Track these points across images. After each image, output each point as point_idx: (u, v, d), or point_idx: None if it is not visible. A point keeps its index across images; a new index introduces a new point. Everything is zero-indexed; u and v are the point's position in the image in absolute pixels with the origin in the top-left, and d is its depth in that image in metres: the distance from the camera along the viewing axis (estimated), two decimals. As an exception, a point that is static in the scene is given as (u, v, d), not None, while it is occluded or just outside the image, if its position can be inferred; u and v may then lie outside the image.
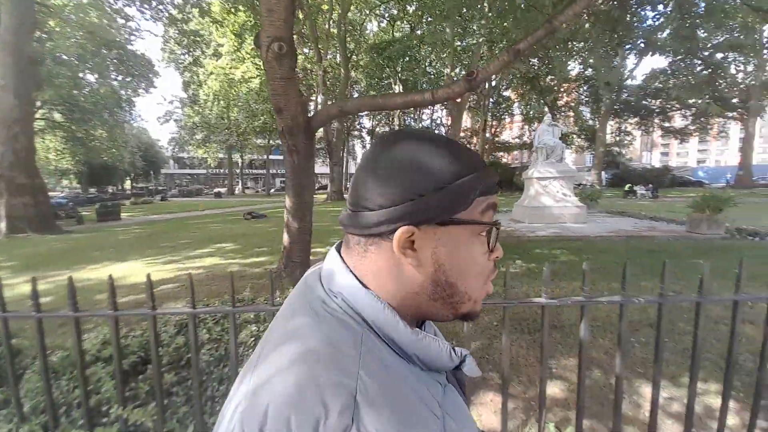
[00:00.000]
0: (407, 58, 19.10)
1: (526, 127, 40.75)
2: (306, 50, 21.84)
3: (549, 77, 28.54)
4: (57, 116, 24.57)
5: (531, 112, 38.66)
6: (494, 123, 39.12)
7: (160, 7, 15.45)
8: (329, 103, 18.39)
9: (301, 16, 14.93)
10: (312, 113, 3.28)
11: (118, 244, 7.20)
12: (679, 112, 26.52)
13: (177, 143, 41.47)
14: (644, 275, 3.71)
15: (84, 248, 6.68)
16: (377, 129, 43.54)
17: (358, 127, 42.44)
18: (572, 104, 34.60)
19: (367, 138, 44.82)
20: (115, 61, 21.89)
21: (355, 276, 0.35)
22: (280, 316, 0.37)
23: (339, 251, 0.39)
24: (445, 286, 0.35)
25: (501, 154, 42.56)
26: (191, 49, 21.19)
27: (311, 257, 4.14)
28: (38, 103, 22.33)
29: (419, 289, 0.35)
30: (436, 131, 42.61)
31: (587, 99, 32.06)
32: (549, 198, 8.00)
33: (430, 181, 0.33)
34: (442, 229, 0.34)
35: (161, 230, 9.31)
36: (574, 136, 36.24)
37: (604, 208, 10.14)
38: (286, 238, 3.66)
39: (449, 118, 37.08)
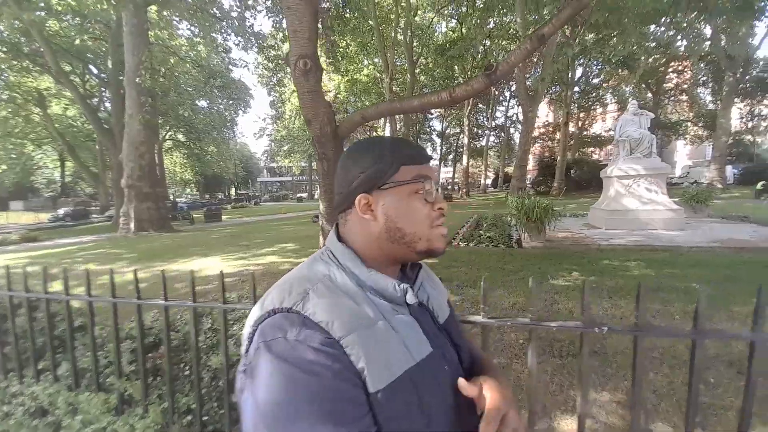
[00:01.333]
0: (474, 55, 18.36)
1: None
2: (376, 60, 22.62)
3: (652, 57, 24.33)
4: (180, 137, 30.09)
5: (629, 99, 33.59)
6: (581, 115, 34.88)
7: (251, 38, 17.67)
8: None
9: (371, 24, 15.62)
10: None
11: (209, 242, 8.50)
12: None
13: (268, 154, 47.05)
14: (743, 298, 2.94)
15: (184, 245, 8.06)
16: (447, 131, 42.73)
17: (427, 129, 42.20)
18: (685, 86, 28.93)
19: (438, 140, 44.30)
20: (219, 88, 25.84)
21: (339, 238, 0.54)
22: None
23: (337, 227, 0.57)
24: (395, 230, 0.51)
25: (590, 149, 37.75)
26: (275, 72, 23.88)
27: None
28: (167, 127, 27.87)
29: (378, 234, 0.52)
30: (511, 128, 39.90)
31: (705, 78, 26.45)
32: (633, 200, 6.76)
33: (365, 163, 0.52)
34: (384, 191, 0.51)
35: (243, 231, 10.67)
36: (689, 124, 30.22)
37: (718, 212, 8.19)
38: (321, 241, 3.89)
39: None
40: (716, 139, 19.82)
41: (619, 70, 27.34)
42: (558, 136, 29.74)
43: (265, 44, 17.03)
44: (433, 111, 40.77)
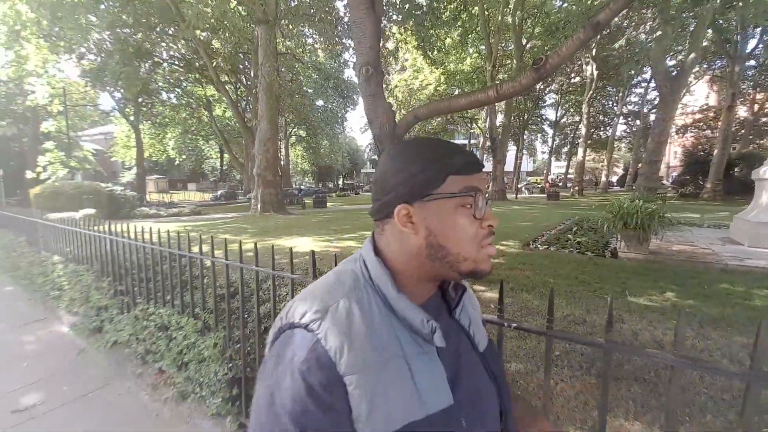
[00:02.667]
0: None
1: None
2: (482, 47, 21.59)
3: None
4: (302, 133, 34.78)
5: None
6: (759, 96, 26.07)
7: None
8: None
9: (473, 11, 15.02)
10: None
11: (309, 224, 9.91)
12: None
13: (371, 148, 50.27)
14: None
15: (290, 226, 9.61)
16: (563, 119, 37.80)
17: (536, 119, 38.11)
18: None
19: (550, 131, 39.62)
20: (333, 88, 28.80)
21: (375, 249, 0.49)
22: None
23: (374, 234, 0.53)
24: (437, 247, 0.45)
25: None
26: (385, 65, 25.24)
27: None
28: (292, 125, 32.56)
29: (418, 251, 0.46)
30: (652, 115, 32.99)
31: None
32: (798, 211, 5.02)
33: (409, 169, 0.46)
34: (428, 203, 0.45)
35: (337, 217, 11.97)
36: None
37: None
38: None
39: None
40: None
41: None
42: (719, 122, 23.06)
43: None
44: (546, 98, 36.60)
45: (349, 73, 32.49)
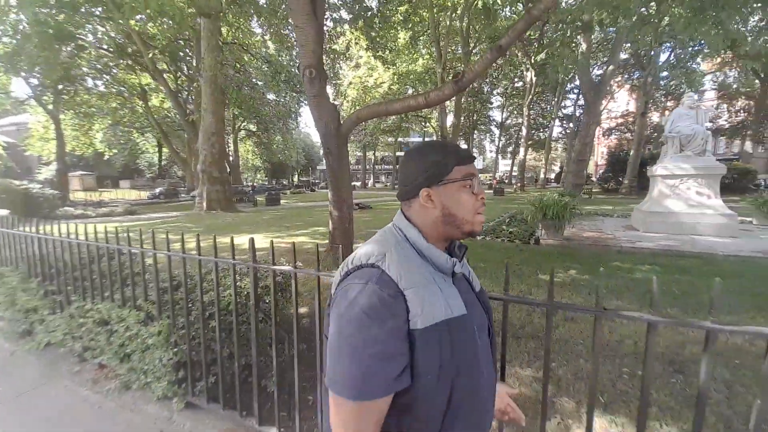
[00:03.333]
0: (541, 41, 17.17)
1: (724, 105, 30.20)
2: (433, 49, 22.38)
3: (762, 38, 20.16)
4: (251, 127, 33.27)
5: (734, 86, 28.39)
6: (670, 104, 30.44)
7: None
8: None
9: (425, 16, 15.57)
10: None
11: (259, 222, 9.74)
12: None
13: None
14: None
15: (239, 223, 9.37)
16: (507, 121, 40.53)
17: (484, 121, 40.45)
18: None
19: (497, 131, 42.31)
20: (284, 81, 27.96)
21: (406, 218, 0.69)
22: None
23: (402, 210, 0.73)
24: (449, 216, 0.66)
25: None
26: (336, 64, 25.07)
27: (354, 242, 4.84)
28: (241, 118, 31.05)
29: (436, 219, 0.66)
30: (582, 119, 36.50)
31: None
32: (678, 202, 6.13)
33: (427, 163, 0.66)
34: (442, 187, 0.66)
35: (290, 214, 11.87)
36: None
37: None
38: (330, 224, 4.47)
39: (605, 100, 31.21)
40: None
41: (722, 52, 23.24)
42: (635, 126, 26.49)
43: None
44: (493, 100, 39.02)
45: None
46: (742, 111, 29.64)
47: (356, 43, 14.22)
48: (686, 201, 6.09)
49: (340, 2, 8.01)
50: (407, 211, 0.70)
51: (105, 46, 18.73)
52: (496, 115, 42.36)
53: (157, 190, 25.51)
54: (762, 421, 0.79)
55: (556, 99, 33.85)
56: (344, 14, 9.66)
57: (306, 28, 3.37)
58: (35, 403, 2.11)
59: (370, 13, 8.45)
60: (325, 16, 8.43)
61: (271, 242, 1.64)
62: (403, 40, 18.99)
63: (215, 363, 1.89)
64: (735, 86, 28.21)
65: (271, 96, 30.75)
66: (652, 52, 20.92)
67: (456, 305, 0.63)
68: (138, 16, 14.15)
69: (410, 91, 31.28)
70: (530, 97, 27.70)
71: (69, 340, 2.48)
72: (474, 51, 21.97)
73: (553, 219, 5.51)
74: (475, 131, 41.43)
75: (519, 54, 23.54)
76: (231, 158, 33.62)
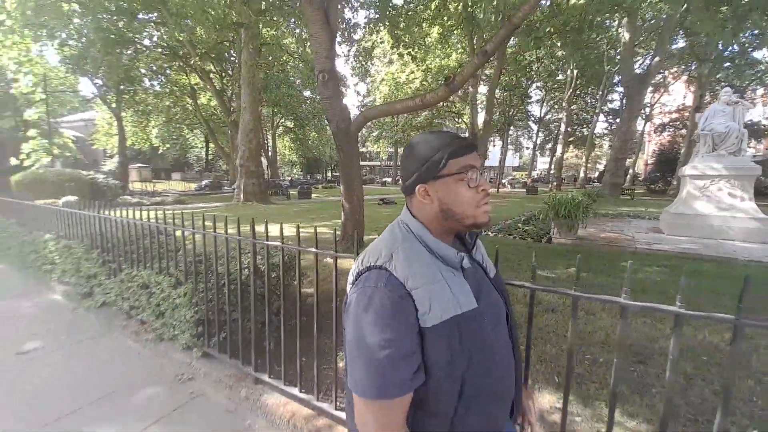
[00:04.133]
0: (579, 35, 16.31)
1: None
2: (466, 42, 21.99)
3: None
4: (289, 123, 34.76)
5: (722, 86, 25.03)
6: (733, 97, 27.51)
7: (345, 33, 19.36)
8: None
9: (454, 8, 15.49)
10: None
11: (289, 213, 10.42)
12: None
13: (360, 140, 50.46)
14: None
15: (271, 214, 10.11)
16: (546, 117, 38.79)
17: (522, 115, 38.89)
18: None
19: (535, 127, 40.62)
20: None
21: (411, 213, 0.70)
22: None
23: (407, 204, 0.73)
24: (447, 211, 0.66)
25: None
26: (365, 62, 25.49)
27: (366, 234, 5.17)
28: (279, 115, 32.50)
29: (435, 214, 0.67)
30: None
31: None
32: (708, 204, 5.78)
33: (421, 158, 0.66)
34: (438, 181, 0.65)
35: (318, 207, 12.51)
36: None
37: None
38: (342, 216, 4.86)
39: (656, 93, 29.08)
40: None
41: None
42: (689, 122, 24.26)
43: (352, 37, 18.40)
44: (532, 95, 37.47)
45: (340, 63, 32.43)
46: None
47: (381, 42, 14.46)
48: (717, 203, 5.74)
49: (360, 2, 8.29)
50: (410, 206, 0.70)
51: (160, 50, 20.58)
52: (536, 110, 40.61)
53: (203, 182, 27.63)
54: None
55: (600, 92, 31.87)
56: (362, 16, 9.96)
57: (319, 36, 3.73)
58: (92, 349, 2.70)
59: (394, 11, 8.67)
60: (347, 18, 8.78)
61: (297, 227, 1.99)
62: (435, 35, 18.91)
63: (225, 323, 2.32)
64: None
65: (306, 93, 31.92)
66: (705, 41, 19.06)
67: (465, 301, 0.63)
68: (186, 21, 15.47)
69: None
70: (570, 90, 26.37)
71: (119, 301, 3.07)
72: (509, 43, 21.32)
73: (565, 218, 5.48)
74: (512, 127, 40.03)
75: (559, 44, 22.47)
76: (269, 153, 35.45)
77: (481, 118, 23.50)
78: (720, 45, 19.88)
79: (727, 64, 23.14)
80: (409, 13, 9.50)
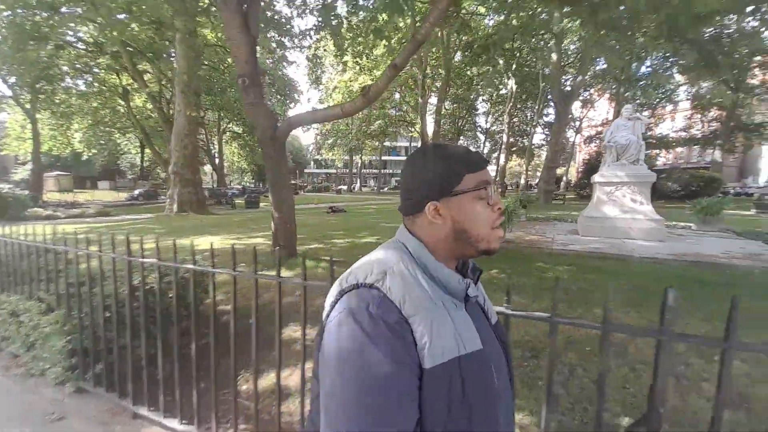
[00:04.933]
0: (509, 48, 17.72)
1: (697, 116, 31.43)
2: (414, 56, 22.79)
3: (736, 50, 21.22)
4: (237, 129, 33.21)
5: (707, 96, 29.61)
6: (644, 113, 31.61)
7: (295, 40, 19.08)
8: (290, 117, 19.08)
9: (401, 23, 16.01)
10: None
11: (228, 224, 9.84)
12: None
13: (315, 147, 49.77)
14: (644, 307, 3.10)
15: (206, 225, 9.47)
16: (492, 128, 41.32)
17: (470, 127, 41.10)
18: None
19: (482, 137, 43.06)
20: (268, 84, 28.05)
21: (411, 233, 0.60)
22: None
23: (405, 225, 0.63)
24: (461, 232, 0.57)
25: (655, 151, 34.05)
26: (318, 69, 25.33)
27: (298, 243, 5.03)
28: (226, 120, 30.95)
29: (446, 236, 0.57)
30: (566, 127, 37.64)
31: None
32: (613, 207, 6.52)
33: (433, 172, 0.57)
34: (452, 199, 0.56)
35: (262, 217, 12.00)
36: (775, 126, 25.81)
37: (728, 225, 7.51)
38: (272, 226, 4.67)
39: (584, 108, 32.18)
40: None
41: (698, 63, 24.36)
42: None
43: (302, 44, 18.17)
44: (479, 107, 39.85)
45: (289, 71, 31.78)
46: (714, 121, 30.81)
47: (324, 50, 14.49)
48: (621, 207, 6.49)
49: (297, 12, 8.23)
50: (411, 226, 0.61)
51: (83, 46, 18.61)
52: (483, 121, 43.11)
53: (136, 192, 25.28)
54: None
55: (537, 106, 34.80)
56: (311, 22, 9.87)
57: (238, 41, 3.59)
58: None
59: (336, 21, 8.70)
60: (290, 23, 8.64)
61: (212, 244, 1.82)
62: (381, 47, 19.35)
63: (106, 352, 2.07)
64: (708, 97, 29.43)
65: (256, 98, 30.74)
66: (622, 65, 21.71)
67: (469, 338, 0.53)
68: (120, 15, 14.21)
69: (396, 96, 31.79)
70: (511, 103, 28.39)
71: (-14, 332, 2.62)
72: (454, 59, 22.50)
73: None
74: (462, 137, 42.08)
75: (501, 62, 24.19)
76: (216, 160, 33.52)
77: (431, 128, 24.41)
78: (634, 67, 22.85)
79: (642, 82, 26.60)
80: (353, 24, 9.57)
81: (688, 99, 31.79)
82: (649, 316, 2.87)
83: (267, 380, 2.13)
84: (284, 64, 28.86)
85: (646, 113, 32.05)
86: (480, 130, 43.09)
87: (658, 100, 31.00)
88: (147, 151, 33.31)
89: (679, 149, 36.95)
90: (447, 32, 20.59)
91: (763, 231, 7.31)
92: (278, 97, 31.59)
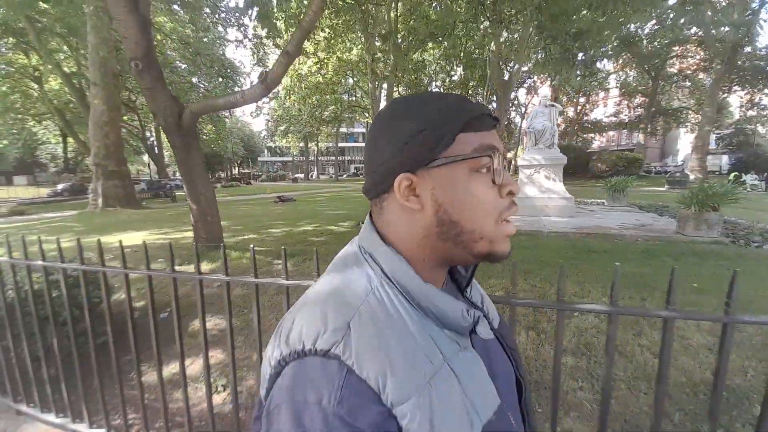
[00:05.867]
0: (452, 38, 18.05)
1: (625, 102, 34.55)
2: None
3: (656, 40, 23.47)
4: (177, 115, 30.61)
5: (633, 84, 32.56)
6: (581, 100, 34.20)
7: (232, 18, 17.81)
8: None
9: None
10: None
11: (160, 218, 9.23)
12: None
13: (267, 134, 47.60)
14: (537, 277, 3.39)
15: (134, 221, 8.80)
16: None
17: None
18: (689, 72, 27.84)
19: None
20: (206, 65, 26.04)
21: (378, 233, 0.40)
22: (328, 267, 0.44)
23: (371, 216, 0.43)
24: (449, 224, 0.37)
25: (591, 135, 37.09)
26: (260, 50, 24.00)
27: (233, 235, 4.87)
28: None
29: (427, 231, 0.37)
30: (513, 113, 39.29)
31: (706, 65, 25.40)
32: (533, 188, 7.10)
33: (408, 129, 0.36)
34: (435, 170, 0.36)
35: (202, 209, 11.40)
36: (689, 112, 29.25)
37: (635, 200, 8.55)
38: (191, 218, 4.48)
39: (528, 95, 33.87)
40: (700, 128, 19.42)
41: (622, 55, 26.69)
42: (560, 121, 29.30)
43: (240, 22, 17.05)
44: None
45: (230, 52, 29.74)
46: (639, 107, 34.04)
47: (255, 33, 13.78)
48: (539, 187, 7.08)
49: None
50: (378, 218, 0.41)
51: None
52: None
53: (60, 187, 22.65)
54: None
55: (485, 93, 36.03)
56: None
57: (126, 21, 3.31)
58: None
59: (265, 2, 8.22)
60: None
61: (99, 241, 1.69)
62: (328, 31, 18.76)
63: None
64: (634, 85, 32.39)
65: (195, 80, 28.60)
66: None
67: (485, 398, 0.37)
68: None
69: (350, 81, 31.19)
70: (461, 90, 29.12)
71: None
72: (402, 43, 22.42)
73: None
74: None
75: (450, 49, 24.53)
76: (155, 150, 30.86)
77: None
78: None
79: (578, 72, 28.52)
80: (283, 7, 9.14)
81: (616, 87, 34.76)
82: (538, 284, 3.19)
83: (167, 372, 2.15)
84: (225, 43, 27.04)
85: (582, 100, 34.71)
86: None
87: (592, 87, 33.47)
88: (70, 140, 29.89)
89: (611, 132, 40.62)
90: (394, 16, 20.43)
91: (662, 204, 8.37)
92: (219, 79, 29.60)
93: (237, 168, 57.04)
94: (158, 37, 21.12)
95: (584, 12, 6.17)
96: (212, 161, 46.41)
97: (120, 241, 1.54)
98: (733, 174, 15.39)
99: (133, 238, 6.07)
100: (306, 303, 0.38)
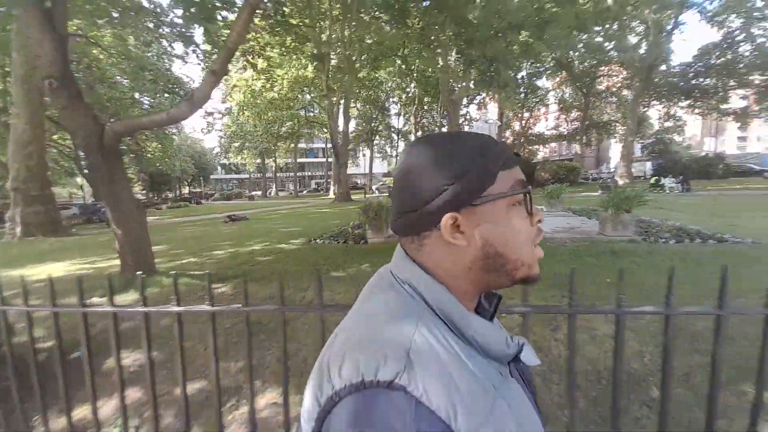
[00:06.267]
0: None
1: (563, 116, 37.93)
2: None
3: (587, 62, 26.23)
4: (118, 133, 28.43)
5: (569, 101, 35.92)
6: (525, 115, 37.08)
7: (175, 31, 17.13)
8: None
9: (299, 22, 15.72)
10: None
11: (87, 246, 8.40)
12: (739, 90, 22.65)
13: (220, 151, 45.69)
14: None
15: (57, 250, 7.93)
16: (405, 128, 43.46)
17: (384, 127, 42.56)
18: (614, 89, 31.37)
19: (396, 137, 44.99)
20: (150, 81, 24.72)
21: (419, 265, 0.41)
22: (358, 299, 0.43)
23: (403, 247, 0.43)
24: (495, 257, 0.39)
25: (536, 147, 40.10)
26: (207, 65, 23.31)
27: (170, 260, 4.57)
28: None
29: (472, 264, 0.39)
30: (466, 127, 41.44)
31: (629, 83, 28.83)
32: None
33: (453, 170, 0.38)
34: (480, 208, 0.38)
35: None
36: (617, 124, 32.80)
37: (567, 206, 9.36)
38: (117, 245, 4.15)
39: (479, 111, 35.88)
40: (625, 139, 21.82)
41: (559, 73, 29.51)
42: (508, 134, 31.40)
43: (185, 35, 16.47)
44: (392, 108, 41.47)
45: (176, 67, 28.50)
46: (575, 121, 37.48)
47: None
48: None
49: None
50: (415, 253, 0.42)
51: None
52: (396, 122, 44.97)
53: (-27, 214, 19.87)
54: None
55: (439, 108, 37.80)
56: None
57: (38, 38, 3.09)
58: None
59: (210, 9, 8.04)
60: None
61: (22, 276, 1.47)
62: (279, 49, 18.66)
63: None
64: (570, 101, 35.78)
65: (138, 96, 26.93)
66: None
67: (532, 425, 0.39)
68: None
69: (308, 97, 31.11)
70: (415, 106, 30.28)
71: None
72: (355, 58, 22.97)
73: (374, 219, 6.14)
74: (375, 137, 43.29)
75: (403, 66, 25.52)
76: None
77: (343, 128, 24.52)
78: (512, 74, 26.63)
79: (522, 89, 31.01)
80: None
81: (555, 102, 38.19)
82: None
83: (79, 415, 1.94)
84: (171, 58, 25.90)
85: (526, 114, 37.65)
86: (393, 130, 44.91)
87: (534, 103, 36.48)
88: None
89: (552, 144, 44.31)
90: (348, 35, 20.93)
91: (592, 208, 9.21)
92: (166, 95, 28.15)
93: (188, 187, 53.93)
94: (94, 52, 19.78)
95: (500, 40, 6.91)
96: (158, 180, 43.51)
97: (21, 276, 1.43)
98: (654, 178, 17.36)
99: (53, 270, 5.50)
100: (353, 335, 0.37)
